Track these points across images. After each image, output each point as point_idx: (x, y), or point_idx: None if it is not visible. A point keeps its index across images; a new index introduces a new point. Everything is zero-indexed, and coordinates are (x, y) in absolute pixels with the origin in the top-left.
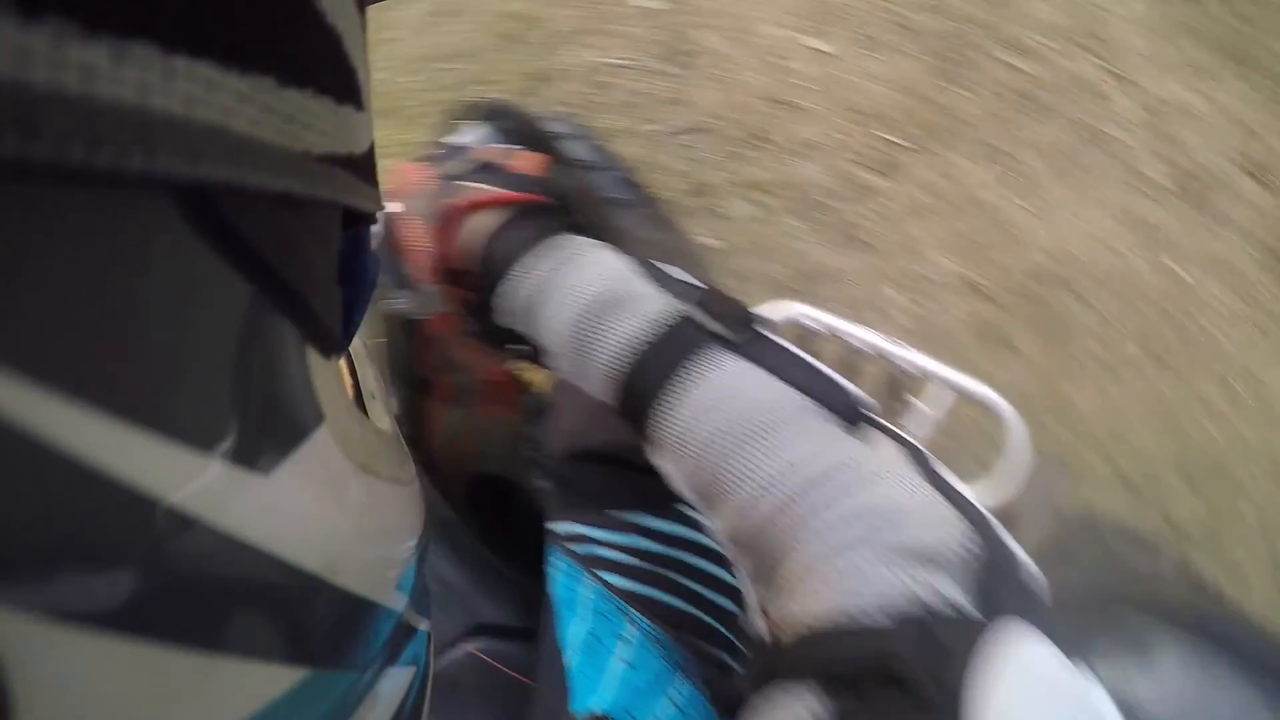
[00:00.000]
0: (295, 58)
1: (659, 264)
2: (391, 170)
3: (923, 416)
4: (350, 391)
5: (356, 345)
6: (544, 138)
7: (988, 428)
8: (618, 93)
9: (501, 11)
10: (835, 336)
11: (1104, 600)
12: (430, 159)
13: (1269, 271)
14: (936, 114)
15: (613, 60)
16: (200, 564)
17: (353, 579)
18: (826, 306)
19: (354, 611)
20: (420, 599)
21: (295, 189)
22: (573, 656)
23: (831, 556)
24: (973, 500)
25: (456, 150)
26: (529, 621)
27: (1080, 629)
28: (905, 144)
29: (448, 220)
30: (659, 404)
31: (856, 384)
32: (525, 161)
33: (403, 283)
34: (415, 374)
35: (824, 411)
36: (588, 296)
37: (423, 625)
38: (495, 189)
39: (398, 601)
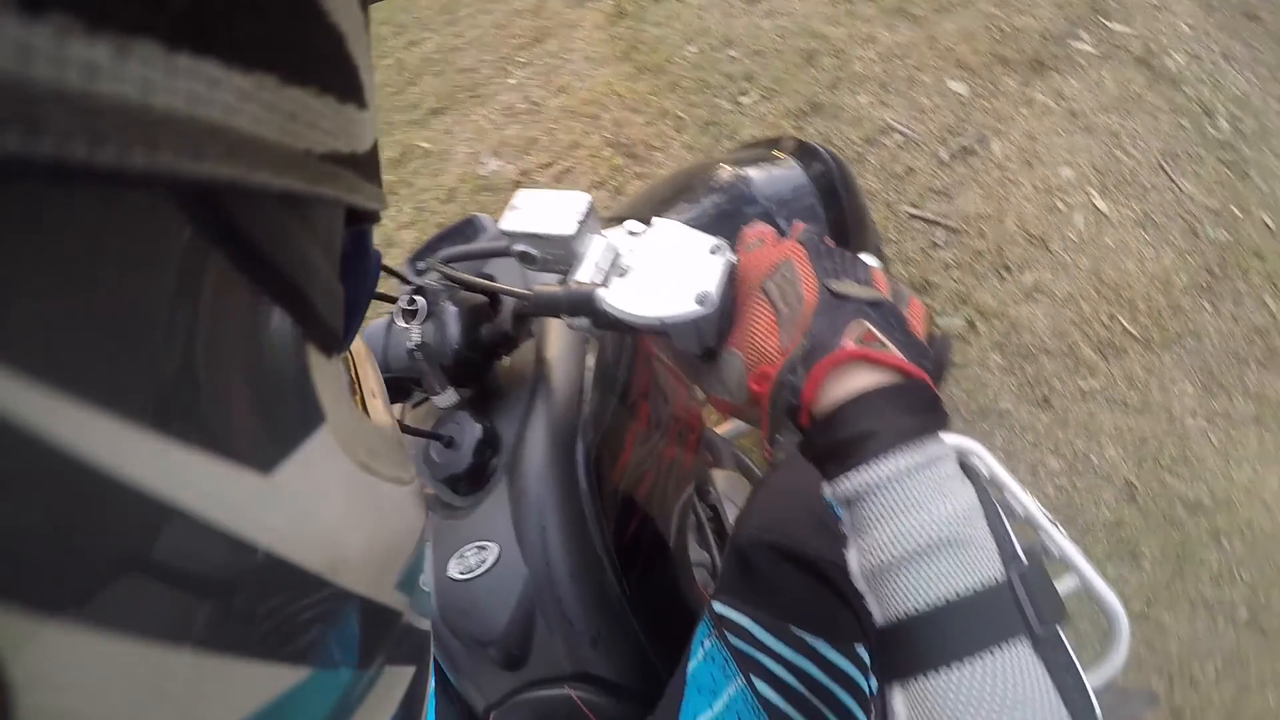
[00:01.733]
0: (298, 56)
1: (998, 508)
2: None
3: None
4: (351, 391)
5: (358, 345)
6: (856, 215)
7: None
8: (886, 157)
9: (813, 30)
10: (995, 487)
11: None
12: (810, 250)
13: None
14: (1178, 320)
15: (896, 124)
16: (200, 563)
17: (353, 578)
18: (989, 448)
19: (354, 611)
20: (420, 599)
21: (297, 188)
22: (694, 660)
23: None
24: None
25: (845, 260)
26: (635, 682)
27: None
28: (1135, 333)
29: (829, 360)
30: (938, 659)
31: None
32: (918, 316)
33: (708, 353)
34: (628, 391)
35: None
36: (937, 534)
37: (423, 625)
38: (896, 354)
39: (398, 601)
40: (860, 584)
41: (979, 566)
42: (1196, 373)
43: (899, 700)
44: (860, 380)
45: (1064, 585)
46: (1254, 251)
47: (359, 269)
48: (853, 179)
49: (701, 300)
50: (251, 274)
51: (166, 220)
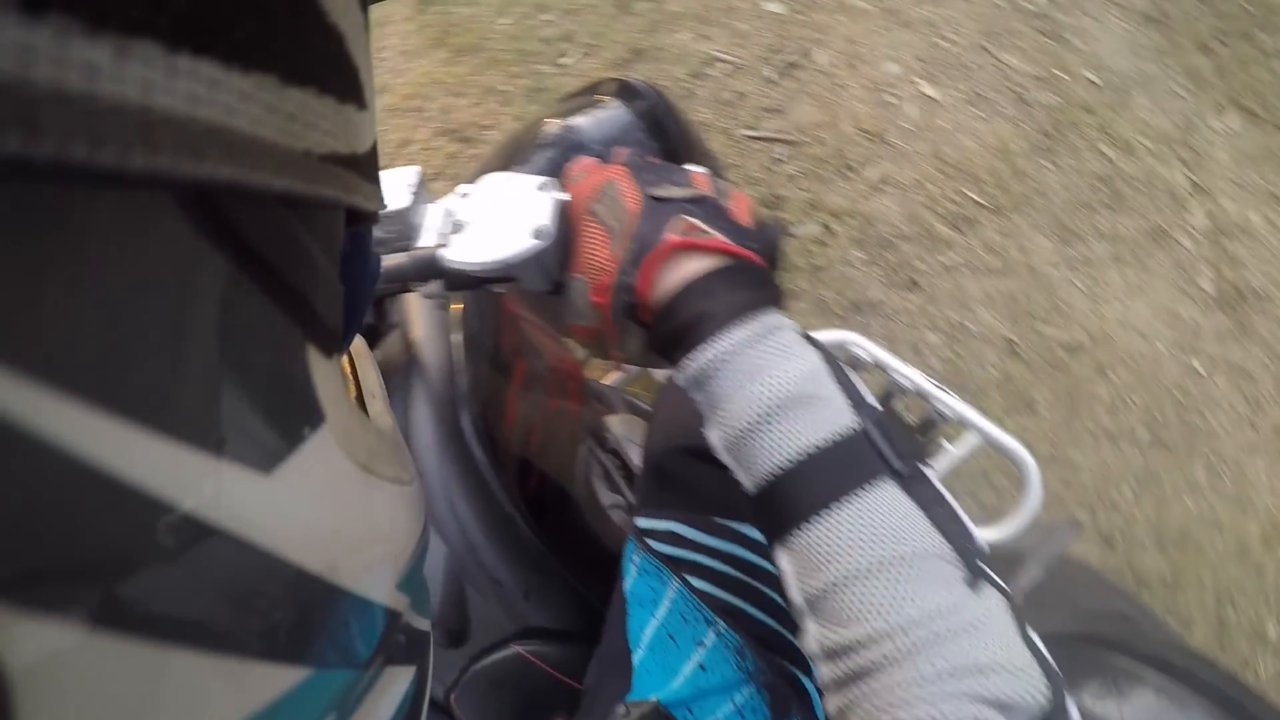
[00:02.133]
0: (298, 57)
1: (843, 367)
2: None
3: (948, 456)
4: (352, 391)
5: (358, 344)
6: (685, 139)
7: (992, 475)
8: (717, 87)
9: None
10: (880, 369)
11: (1087, 641)
12: (633, 168)
13: (1279, 382)
14: (1022, 183)
15: (719, 54)
16: (201, 563)
17: (353, 578)
18: (868, 338)
19: (355, 611)
20: (420, 599)
21: (297, 189)
22: (641, 652)
23: (925, 685)
24: (1048, 656)
25: (667, 169)
26: (576, 624)
27: (1069, 670)
28: (984, 203)
29: (655, 254)
30: (810, 510)
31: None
32: (742, 206)
33: (557, 287)
34: (499, 354)
35: (954, 557)
36: (784, 392)
37: (423, 625)
38: (720, 238)
39: (398, 601)
40: (725, 458)
41: (831, 418)
42: (1050, 227)
43: (784, 559)
44: (689, 268)
45: (966, 444)
46: (1083, 107)
47: (358, 269)
48: (676, 107)
49: (538, 234)
50: (251, 274)
51: (166, 220)
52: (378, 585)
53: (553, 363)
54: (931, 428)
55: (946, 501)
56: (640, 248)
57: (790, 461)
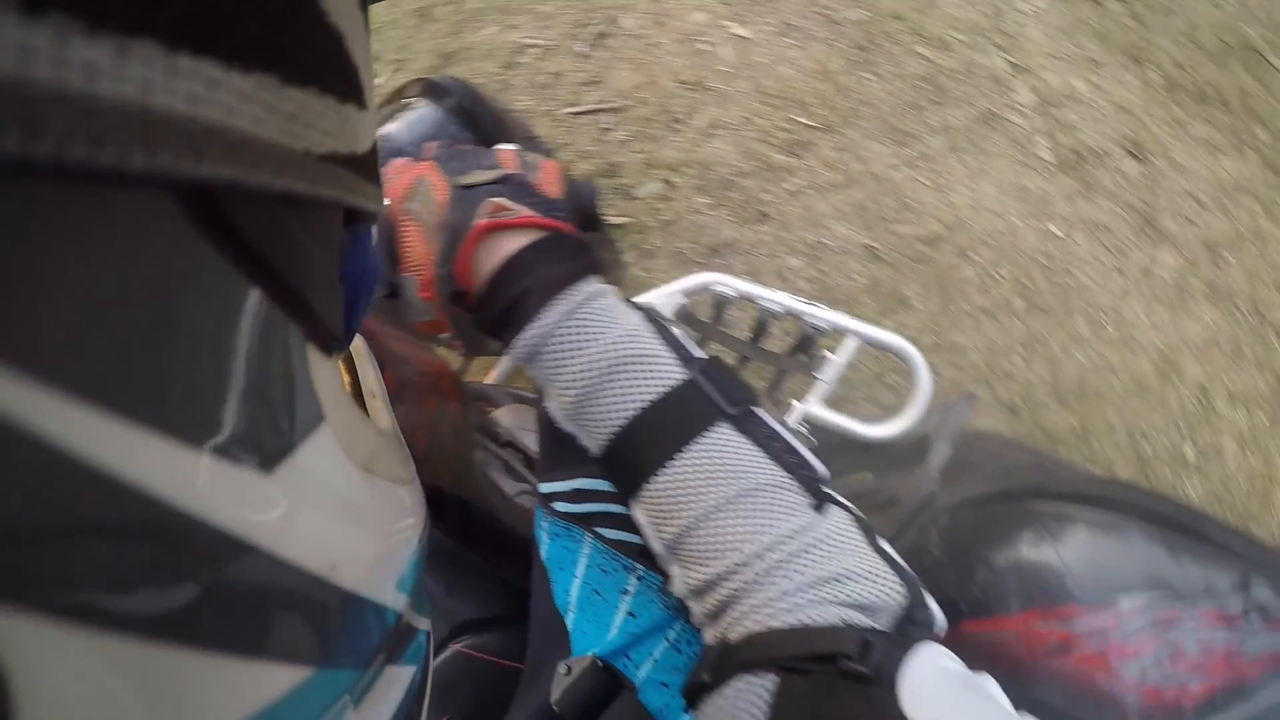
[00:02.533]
0: (298, 57)
1: (665, 322)
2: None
3: (832, 365)
4: (351, 390)
5: (357, 344)
6: (498, 123)
7: (886, 376)
8: (532, 73)
9: None
10: (749, 300)
11: (1007, 497)
12: (440, 161)
13: (1136, 229)
14: (847, 98)
15: (528, 40)
16: (201, 563)
17: (354, 579)
18: (732, 275)
19: (355, 611)
20: (420, 599)
21: (297, 188)
22: (573, 614)
23: (788, 598)
24: (900, 561)
25: (474, 154)
26: (505, 609)
27: (998, 529)
28: (814, 125)
29: (466, 240)
30: (654, 462)
31: (768, 343)
32: (550, 175)
33: (392, 289)
34: None
35: (795, 485)
36: (611, 357)
37: (423, 624)
38: (527, 213)
39: (398, 601)
40: (568, 426)
41: (660, 374)
42: (883, 134)
43: (639, 513)
44: (504, 248)
45: (846, 350)
46: (892, 16)
47: (358, 269)
48: (484, 95)
49: None
50: (251, 274)
51: (166, 220)
52: (378, 585)
53: (419, 366)
54: (811, 343)
55: (781, 436)
56: (452, 236)
57: (627, 421)
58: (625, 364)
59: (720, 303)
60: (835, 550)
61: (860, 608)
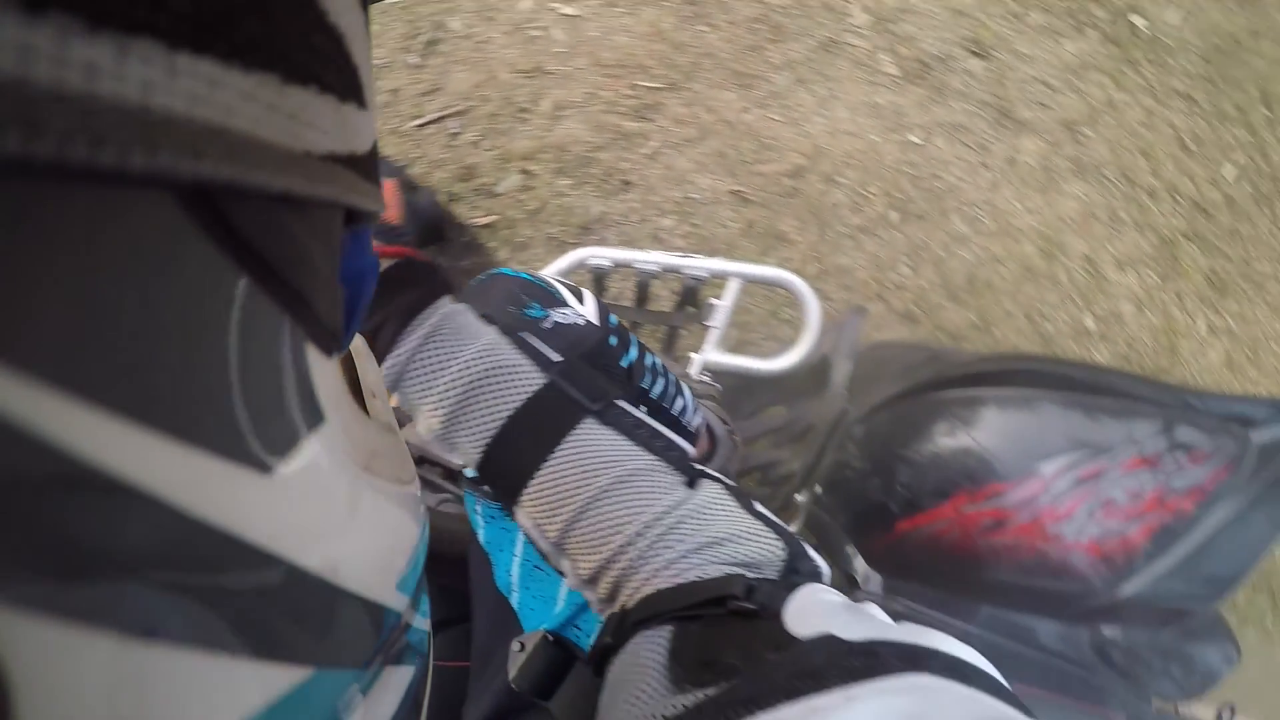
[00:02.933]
0: (298, 56)
1: (523, 334)
2: None
3: (720, 309)
4: (350, 390)
5: (357, 343)
6: None
7: (780, 312)
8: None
9: None
10: (626, 267)
11: (911, 394)
12: None
13: (992, 123)
14: (686, 54)
15: None
16: (201, 563)
17: (354, 579)
18: (607, 246)
19: (355, 611)
20: (420, 599)
21: (296, 188)
22: (517, 593)
23: (674, 564)
24: (778, 521)
25: None
26: (451, 610)
27: (912, 427)
28: (659, 86)
29: None
30: (528, 467)
31: (653, 303)
32: (387, 202)
33: None
34: None
35: (664, 466)
36: (470, 375)
37: (422, 625)
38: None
39: (398, 601)
40: (439, 448)
41: (521, 383)
42: (728, 81)
43: (523, 519)
44: None
45: (731, 292)
46: None
47: (358, 269)
48: None
49: None
50: (250, 273)
51: (165, 220)
52: (378, 585)
53: None
54: (695, 294)
55: (646, 423)
56: None
57: (496, 432)
58: (486, 379)
59: (599, 276)
60: (712, 518)
61: (744, 565)
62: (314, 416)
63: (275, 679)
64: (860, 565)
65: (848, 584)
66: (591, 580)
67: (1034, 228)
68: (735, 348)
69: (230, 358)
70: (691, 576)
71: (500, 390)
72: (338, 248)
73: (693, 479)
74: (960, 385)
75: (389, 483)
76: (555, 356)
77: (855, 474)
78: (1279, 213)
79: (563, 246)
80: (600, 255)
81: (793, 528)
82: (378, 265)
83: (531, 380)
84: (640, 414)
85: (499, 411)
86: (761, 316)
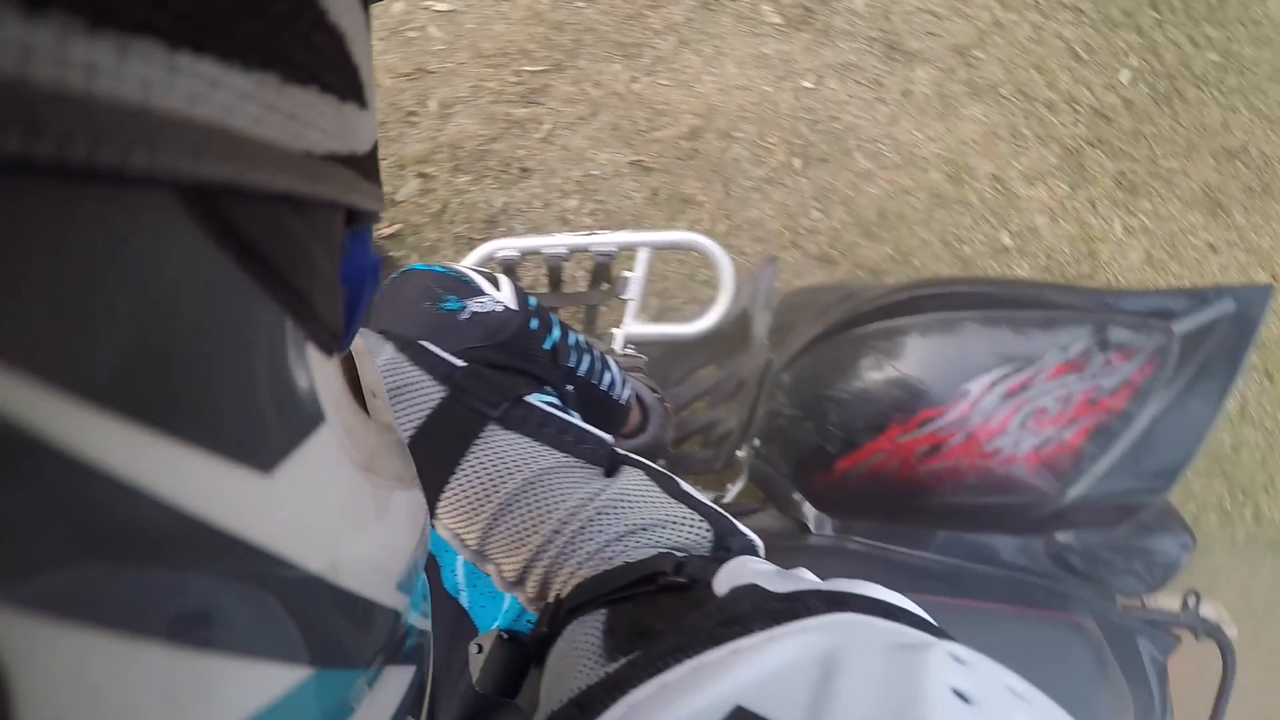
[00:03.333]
0: (298, 56)
1: (423, 343)
2: None
3: (634, 281)
4: (351, 389)
5: (357, 343)
6: None
7: (697, 274)
8: None
9: None
10: (534, 254)
11: (832, 334)
12: None
13: (882, 58)
14: (566, 33)
15: None
16: (201, 563)
17: (354, 579)
18: (517, 238)
19: (355, 611)
20: (420, 599)
21: (297, 188)
22: (465, 593)
23: (602, 551)
24: (706, 501)
25: None
26: None
27: (836, 368)
28: (544, 68)
29: None
30: (439, 481)
31: (568, 286)
32: None
33: None
34: None
35: (575, 461)
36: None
37: (423, 624)
38: None
39: (399, 601)
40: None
41: (421, 399)
42: (613, 53)
43: (442, 530)
44: None
45: (641, 261)
46: None
47: (359, 269)
48: None
49: None
50: (251, 273)
51: (165, 220)
52: (378, 585)
53: None
54: (606, 270)
55: (554, 417)
56: None
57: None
58: (390, 397)
59: (510, 267)
60: (633, 506)
61: (670, 549)
62: (314, 416)
63: (274, 679)
64: (810, 510)
65: (800, 531)
66: (518, 582)
67: (938, 155)
68: (658, 316)
69: (228, 356)
70: (618, 562)
71: (402, 409)
72: (338, 247)
73: (612, 467)
74: (877, 318)
75: (389, 482)
76: (457, 362)
77: (788, 421)
78: (1179, 109)
79: (471, 244)
80: (507, 246)
81: (739, 484)
82: (379, 265)
83: (429, 395)
84: (549, 407)
85: (404, 430)
86: (680, 281)
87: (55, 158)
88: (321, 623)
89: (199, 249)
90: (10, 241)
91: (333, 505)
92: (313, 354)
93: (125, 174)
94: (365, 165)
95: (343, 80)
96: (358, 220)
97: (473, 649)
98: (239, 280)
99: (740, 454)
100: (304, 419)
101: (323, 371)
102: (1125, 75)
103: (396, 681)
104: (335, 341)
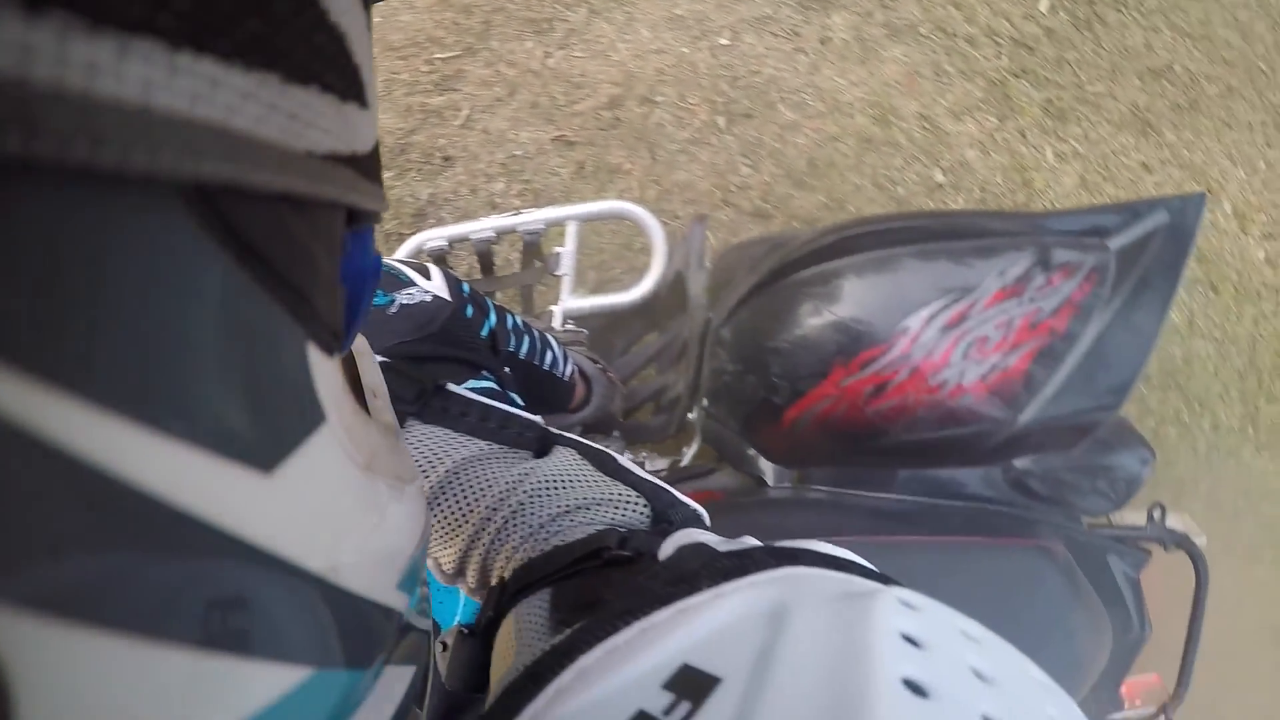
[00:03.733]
0: (299, 55)
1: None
2: None
3: (565, 256)
4: (351, 389)
5: (358, 342)
6: None
7: (632, 243)
8: None
9: None
10: (462, 241)
11: (765, 286)
12: None
13: (797, 7)
14: (474, 15)
15: None
16: (202, 563)
17: (355, 579)
18: (443, 225)
19: (356, 611)
20: (420, 599)
21: (297, 188)
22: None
23: (541, 529)
24: (644, 475)
25: None
26: None
27: (776, 318)
28: (456, 54)
29: None
30: None
31: (500, 268)
32: None
33: None
34: None
35: (498, 448)
36: None
37: (423, 624)
38: None
39: (399, 601)
40: None
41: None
42: (524, 31)
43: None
44: None
45: (571, 235)
46: None
47: (359, 269)
48: None
49: None
50: (251, 273)
51: (166, 220)
52: (379, 585)
53: None
54: (536, 248)
55: (476, 405)
56: None
57: None
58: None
59: (440, 258)
60: (567, 486)
61: (610, 527)
62: (315, 416)
63: (274, 679)
64: (766, 465)
65: (758, 487)
66: (459, 573)
67: (862, 99)
68: (597, 288)
69: (229, 356)
70: (555, 542)
71: None
72: (339, 247)
73: (543, 449)
74: (810, 264)
75: (390, 482)
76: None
77: (732, 377)
78: (1100, 34)
79: (402, 239)
80: (434, 237)
81: (693, 447)
82: (380, 265)
83: None
84: (474, 395)
85: None
86: (616, 252)
87: (56, 158)
88: (322, 623)
89: (200, 249)
90: (10, 241)
91: (333, 505)
92: (313, 354)
93: (126, 174)
94: (366, 165)
95: (343, 80)
96: (358, 220)
97: (438, 647)
98: (240, 280)
99: (691, 416)
100: (305, 419)
101: (323, 371)
102: (1044, 4)
103: (397, 682)
104: (336, 341)
